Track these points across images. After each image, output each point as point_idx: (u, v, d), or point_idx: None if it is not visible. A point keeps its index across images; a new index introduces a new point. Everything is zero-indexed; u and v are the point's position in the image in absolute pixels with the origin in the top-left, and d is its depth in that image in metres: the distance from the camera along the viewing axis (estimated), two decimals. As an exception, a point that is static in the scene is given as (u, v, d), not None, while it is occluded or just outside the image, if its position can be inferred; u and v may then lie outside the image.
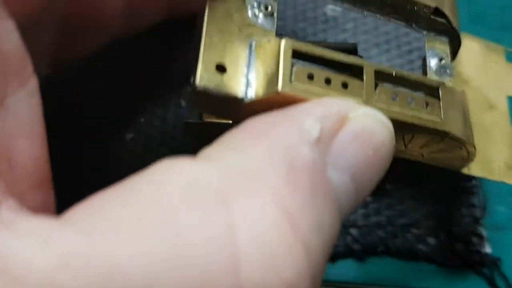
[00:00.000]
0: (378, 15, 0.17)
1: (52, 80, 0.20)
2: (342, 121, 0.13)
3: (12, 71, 0.13)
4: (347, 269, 0.23)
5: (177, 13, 0.24)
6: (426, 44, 0.18)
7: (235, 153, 0.12)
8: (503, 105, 0.20)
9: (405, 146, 0.16)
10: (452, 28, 0.18)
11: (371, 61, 0.25)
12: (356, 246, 0.22)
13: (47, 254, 0.10)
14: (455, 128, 0.16)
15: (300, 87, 0.14)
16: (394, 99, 0.15)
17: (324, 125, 0.13)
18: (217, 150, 0.13)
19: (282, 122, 0.13)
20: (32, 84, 0.13)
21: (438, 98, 0.16)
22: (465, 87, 0.19)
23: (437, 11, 0.17)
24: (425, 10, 0.17)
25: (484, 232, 0.23)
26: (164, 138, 0.24)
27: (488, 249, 0.23)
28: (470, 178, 0.24)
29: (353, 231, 0.22)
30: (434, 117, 0.15)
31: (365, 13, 0.17)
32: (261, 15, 0.16)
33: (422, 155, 0.17)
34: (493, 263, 0.23)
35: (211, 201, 0.11)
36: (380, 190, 0.23)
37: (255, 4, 0.16)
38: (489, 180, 0.23)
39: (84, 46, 0.21)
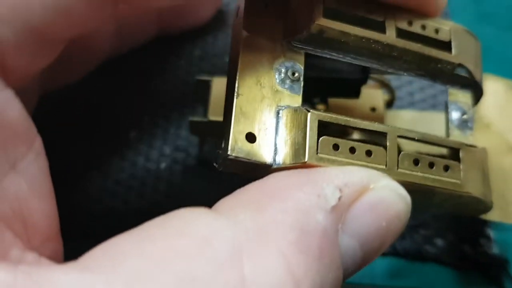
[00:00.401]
0: (402, 72, 0.17)
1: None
2: (362, 190, 0.14)
3: (19, 137, 0.14)
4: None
5: (167, 32, 0.25)
6: (448, 97, 0.18)
7: (251, 210, 0.13)
8: (524, 146, 0.20)
9: (425, 200, 0.17)
10: (475, 81, 0.18)
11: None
12: None
13: None
14: (474, 188, 0.16)
15: (325, 157, 0.15)
16: (416, 164, 0.16)
17: (344, 193, 0.14)
18: (235, 205, 0.14)
19: (303, 186, 0.14)
20: (38, 144, 0.14)
21: (459, 159, 0.16)
22: (486, 132, 0.20)
23: (460, 66, 0.18)
24: (448, 66, 0.17)
25: (492, 233, 0.23)
26: (167, 136, 0.24)
27: (496, 251, 0.23)
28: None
29: None
30: (454, 180, 0.16)
31: (390, 70, 0.17)
32: (288, 81, 0.16)
33: (442, 207, 0.18)
34: (501, 264, 0.23)
35: (225, 256, 0.12)
36: None
37: (283, 71, 0.16)
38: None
39: (75, 72, 0.22)
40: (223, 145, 0.16)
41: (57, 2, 0.13)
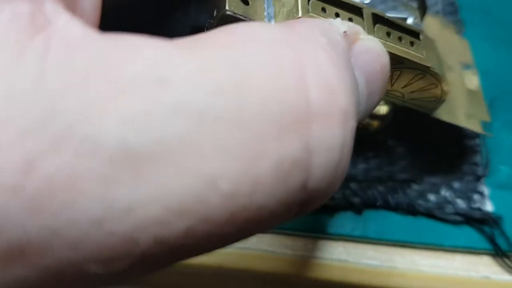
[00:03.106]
0: (364, -18, 0.20)
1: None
2: (356, 35, 0.16)
3: None
4: (345, 221, 0.23)
5: None
6: (402, 7, 0.21)
7: (286, 25, 0.14)
8: (457, 68, 0.23)
9: (391, 84, 0.19)
10: (421, -6, 0.21)
11: None
12: (355, 200, 0.23)
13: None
14: (434, 65, 0.19)
15: (316, 16, 0.17)
16: (388, 35, 0.18)
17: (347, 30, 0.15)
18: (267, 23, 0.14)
19: (315, 20, 0.15)
20: None
21: (420, 40, 0.19)
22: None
23: (409, -21, 0.21)
24: (400, -23, 0.20)
25: (486, 190, 0.24)
26: None
27: (489, 207, 0.23)
28: (474, 136, 0.25)
29: (353, 185, 0.23)
30: (419, 54, 0.18)
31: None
32: (275, -37, 0.18)
33: (403, 95, 0.20)
34: (494, 221, 0.23)
35: (281, 44, 0.12)
36: (382, 146, 0.24)
37: (270, -47, 0.18)
38: (492, 140, 0.24)
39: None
40: (215, 13, 0.17)
41: None
